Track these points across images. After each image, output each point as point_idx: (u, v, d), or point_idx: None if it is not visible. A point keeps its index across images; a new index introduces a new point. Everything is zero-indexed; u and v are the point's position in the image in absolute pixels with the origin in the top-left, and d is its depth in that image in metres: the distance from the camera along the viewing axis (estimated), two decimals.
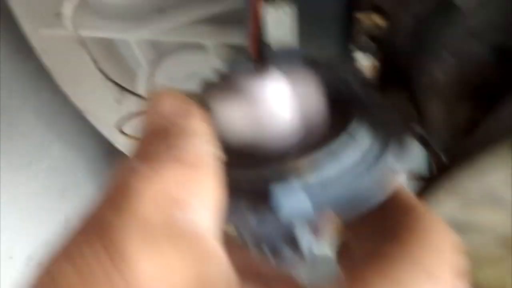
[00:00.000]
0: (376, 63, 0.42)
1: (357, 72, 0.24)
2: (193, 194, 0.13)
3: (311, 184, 0.17)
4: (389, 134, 0.20)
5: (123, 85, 0.54)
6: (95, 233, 0.11)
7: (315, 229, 0.18)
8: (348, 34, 0.44)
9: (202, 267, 0.12)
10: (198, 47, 0.54)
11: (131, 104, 0.57)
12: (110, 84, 0.51)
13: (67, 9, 0.44)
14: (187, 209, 0.13)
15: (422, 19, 0.40)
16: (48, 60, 0.57)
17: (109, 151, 0.71)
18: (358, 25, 0.42)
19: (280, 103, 0.19)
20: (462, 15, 0.35)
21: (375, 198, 0.18)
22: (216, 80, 0.22)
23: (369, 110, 0.21)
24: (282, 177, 0.17)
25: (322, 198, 0.17)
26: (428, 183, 0.30)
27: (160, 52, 0.57)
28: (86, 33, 0.53)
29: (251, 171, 0.18)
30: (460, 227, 0.31)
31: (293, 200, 0.17)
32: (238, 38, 0.51)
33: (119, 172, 0.13)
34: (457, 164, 0.26)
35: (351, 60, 0.26)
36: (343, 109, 0.21)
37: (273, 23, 0.30)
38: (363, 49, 0.42)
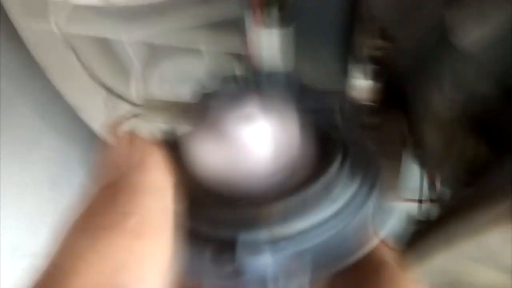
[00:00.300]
0: (377, 86, 0.41)
1: (347, 104, 0.23)
2: (136, 278, 0.13)
3: (279, 238, 0.16)
4: (370, 183, 0.19)
5: (116, 85, 0.53)
6: None
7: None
8: (348, 53, 0.42)
9: None
10: (194, 52, 0.53)
11: (121, 105, 0.55)
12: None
13: (54, 8, 0.42)
14: (133, 285, 0.12)
15: (425, 44, 0.38)
16: (39, 54, 0.56)
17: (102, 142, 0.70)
18: (360, 47, 0.40)
19: (258, 143, 0.18)
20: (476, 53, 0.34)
21: (349, 256, 0.17)
22: (197, 103, 0.21)
23: (353, 154, 0.20)
24: (250, 226, 0.16)
25: (290, 256, 0.16)
26: (423, 227, 0.29)
27: (154, 54, 0.55)
28: (79, 30, 0.51)
29: (219, 215, 0.17)
30: (452, 284, 0.30)
31: (257, 263, 0.16)
32: (234, 46, 0.50)
33: (62, 241, 0.13)
34: (455, 218, 0.25)
35: (344, 88, 0.25)
36: (325, 149, 0.20)
37: (266, 45, 0.28)
38: (365, 72, 0.41)
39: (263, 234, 0.16)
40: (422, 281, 0.29)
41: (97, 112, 0.62)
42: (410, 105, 0.42)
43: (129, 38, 0.52)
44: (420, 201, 0.40)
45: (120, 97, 0.49)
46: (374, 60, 0.40)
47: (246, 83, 0.24)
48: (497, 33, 0.28)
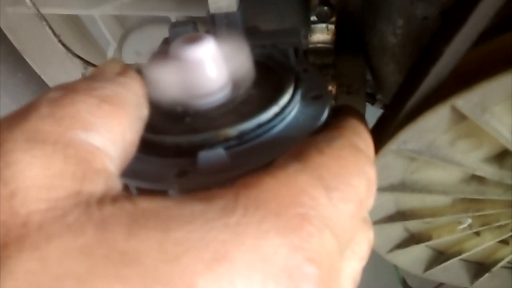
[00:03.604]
0: (332, 27, 0.43)
1: (296, 43, 0.25)
2: (103, 124, 0.14)
3: (234, 145, 0.18)
4: (313, 97, 0.21)
5: (91, 61, 0.55)
6: None
7: None
8: (305, 1, 0.45)
9: (87, 183, 0.12)
10: (163, 21, 0.55)
11: None
12: (76, 60, 0.52)
13: None
14: (91, 132, 0.13)
15: None
16: (15, 38, 0.58)
17: None
18: None
19: (211, 68, 0.20)
20: None
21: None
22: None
23: (300, 80, 0.22)
24: (209, 144, 0.18)
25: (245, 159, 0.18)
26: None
27: (126, 27, 0.57)
28: (50, 10, 0.53)
29: (181, 137, 0.19)
30: (411, 187, 0.33)
31: (215, 161, 0.18)
32: (200, 10, 0.52)
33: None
34: (400, 124, 0.27)
35: (297, 30, 0.27)
36: (276, 79, 0.23)
37: None
38: (319, 16, 0.43)
39: (221, 147, 0.18)
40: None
41: None
42: (366, 43, 0.44)
43: (98, 13, 0.54)
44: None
45: (95, 65, 0.51)
46: (326, 3, 0.42)
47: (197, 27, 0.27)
48: None
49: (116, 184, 0.13)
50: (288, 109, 0.20)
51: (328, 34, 0.44)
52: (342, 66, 0.44)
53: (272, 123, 0.19)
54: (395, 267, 0.52)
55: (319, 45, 0.45)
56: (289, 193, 0.13)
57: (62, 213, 0.11)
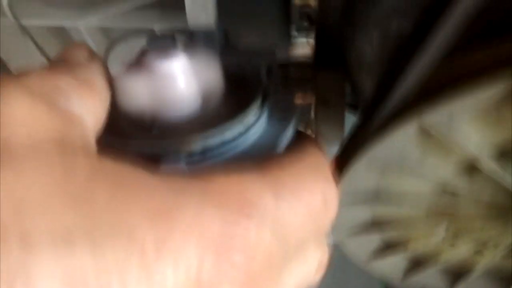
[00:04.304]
0: (311, 42, 0.44)
1: (271, 61, 0.26)
2: (82, 101, 0.15)
3: (196, 161, 0.19)
4: (282, 118, 0.22)
5: None
6: None
7: None
8: (287, 15, 0.46)
9: (69, 130, 0.14)
10: (147, 32, 0.56)
11: None
12: None
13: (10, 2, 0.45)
14: (71, 100, 0.15)
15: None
16: (1, 48, 0.58)
17: None
18: (293, 7, 0.44)
19: (181, 81, 0.20)
20: None
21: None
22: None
23: (270, 96, 0.22)
24: (171, 152, 0.19)
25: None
26: (346, 154, 0.32)
27: (111, 38, 0.58)
28: (35, 22, 0.53)
29: (145, 143, 0.19)
30: (384, 199, 0.33)
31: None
32: (184, 23, 0.53)
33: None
34: (370, 138, 0.28)
35: (273, 50, 0.28)
36: (245, 95, 0.23)
37: (192, 2, 0.31)
38: (300, 30, 0.44)
39: (183, 158, 0.19)
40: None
41: None
42: (345, 57, 0.45)
43: (83, 25, 0.55)
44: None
45: None
46: (306, 16, 0.43)
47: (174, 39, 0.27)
48: None
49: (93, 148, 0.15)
50: (253, 128, 0.21)
51: (308, 48, 0.45)
52: (322, 79, 0.45)
53: (236, 141, 0.20)
54: None
55: (299, 58, 0.46)
56: (237, 190, 0.14)
57: (39, 146, 0.13)
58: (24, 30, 0.46)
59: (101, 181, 0.12)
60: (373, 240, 0.40)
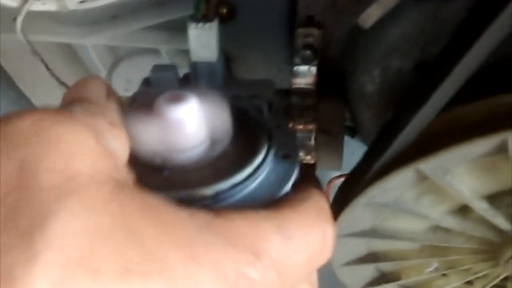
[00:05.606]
0: (314, 70, 0.45)
1: (270, 97, 0.27)
2: (114, 135, 0.17)
3: (209, 204, 0.20)
4: (284, 156, 0.23)
5: None
6: None
7: None
8: (291, 44, 0.47)
9: (114, 166, 0.16)
10: (153, 52, 0.57)
11: None
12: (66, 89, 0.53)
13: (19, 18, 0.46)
14: (108, 140, 0.16)
15: (353, 30, 0.43)
16: (6, 62, 0.59)
17: None
18: (296, 36, 0.45)
19: (191, 126, 0.21)
20: (383, 32, 0.38)
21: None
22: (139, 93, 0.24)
23: (273, 137, 0.23)
24: (185, 202, 0.18)
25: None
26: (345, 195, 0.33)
27: (117, 57, 0.59)
28: (43, 38, 0.54)
29: (157, 188, 0.19)
30: (381, 234, 0.34)
31: None
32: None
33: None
34: (369, 181, 0.29)
35: (271, 83, 0.29)
36: (250, 134, 0.24)
37: (196, 40, 0.31)
38: (303, 59, 0.45)
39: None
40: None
41: None
42: (346, 89, 0.46)
43: (90, 42, 0.56)
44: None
45: None
46: (309, 47, 0.44)
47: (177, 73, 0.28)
48: (387, 12, 0.32)
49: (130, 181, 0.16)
50: (261, 169, 0.21)
51: (310, 77, 0.46)
52: (323, 108, 0.46)
53: (246, 183, 0.21)
54: None
55: (301, 86, 0.47)
56: (252, 233, 0.16)
57: (100, 183, 0.14)
58: (35, 52, 0.47)
59: (147, 217, 0.14)
60: (368, 269, 0.41)
